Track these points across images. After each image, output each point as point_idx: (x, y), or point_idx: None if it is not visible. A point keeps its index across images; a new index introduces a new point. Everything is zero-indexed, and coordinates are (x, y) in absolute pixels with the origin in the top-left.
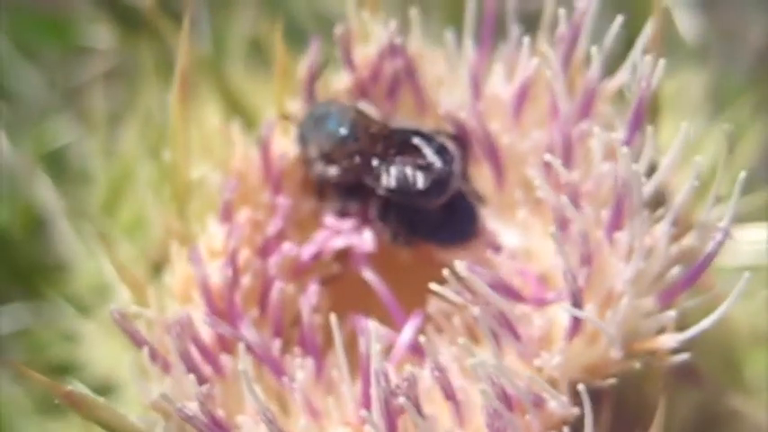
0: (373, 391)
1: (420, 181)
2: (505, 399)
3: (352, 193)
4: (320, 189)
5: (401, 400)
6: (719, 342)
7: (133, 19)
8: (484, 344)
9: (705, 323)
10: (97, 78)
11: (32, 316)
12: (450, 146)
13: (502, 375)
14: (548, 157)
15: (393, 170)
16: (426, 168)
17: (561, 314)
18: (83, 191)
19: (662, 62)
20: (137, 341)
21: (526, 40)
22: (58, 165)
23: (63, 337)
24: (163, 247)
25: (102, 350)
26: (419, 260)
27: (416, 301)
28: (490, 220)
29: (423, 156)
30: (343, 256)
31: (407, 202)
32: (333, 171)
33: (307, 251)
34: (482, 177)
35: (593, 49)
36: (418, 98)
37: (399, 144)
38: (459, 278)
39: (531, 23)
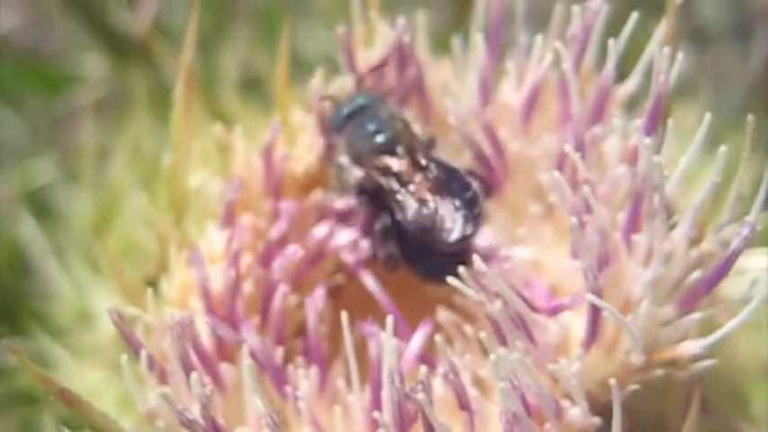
0: (385, 393)
1: (453, 234)
2: (525, 406)
3: (365, 196)
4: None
5: (419, 396)
6: (728, 374)
7: (124, 47)
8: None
9: (733, 323)
10: (87, 107)
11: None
12: (479, 192)
13: (525, 372)
14: (567, 147)
15: (425, 210)
16: (455, 220)
17: (576, 323)
18: (67, 225)
19: (680, 56)
20: (134, 345)
21: (538, 38)
22: (42, 202)
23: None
24: (157, 260)
25: (82, 383)
26: None
27: (426, 313)
28: (498, 230)
29: (455, 202)
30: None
31: (423, 241)
32: (358, 173)
33: (316, 234)
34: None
35: (610, 42)
36: (424, 103)
37: (435, 179)
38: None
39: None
